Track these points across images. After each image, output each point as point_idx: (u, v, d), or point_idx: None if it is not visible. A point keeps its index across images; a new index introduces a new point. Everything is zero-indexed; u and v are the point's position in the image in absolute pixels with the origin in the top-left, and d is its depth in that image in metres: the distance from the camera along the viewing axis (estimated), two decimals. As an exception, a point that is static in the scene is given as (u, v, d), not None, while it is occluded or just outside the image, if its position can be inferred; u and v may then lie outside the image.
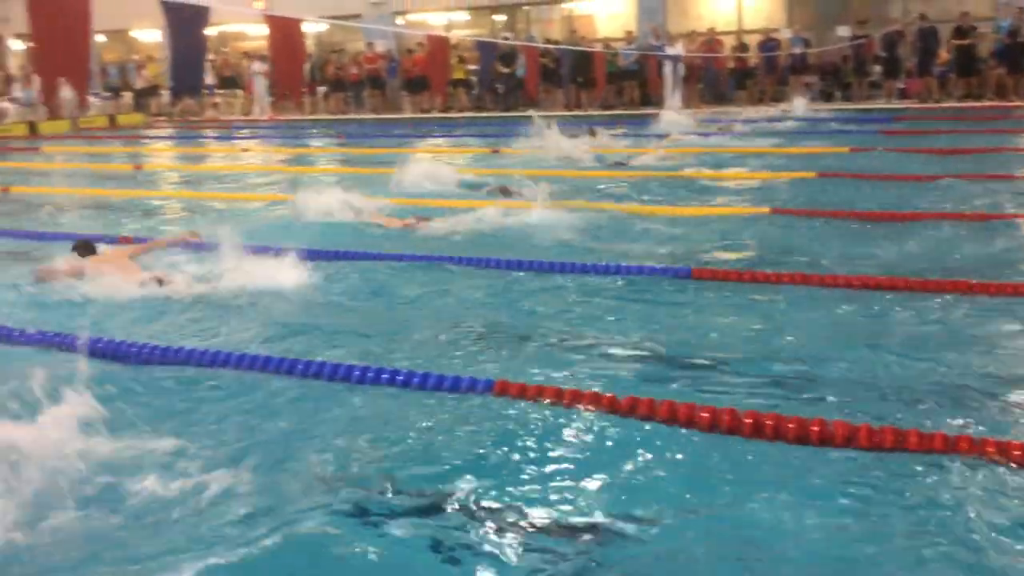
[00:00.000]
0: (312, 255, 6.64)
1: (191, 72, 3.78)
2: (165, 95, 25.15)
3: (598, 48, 21.30)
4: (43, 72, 3.35)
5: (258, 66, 24.30)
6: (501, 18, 24.27)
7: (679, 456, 3.38)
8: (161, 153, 17.63)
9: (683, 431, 3.52)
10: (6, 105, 21.42)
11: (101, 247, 6.37)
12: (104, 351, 4.56)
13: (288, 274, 6.12)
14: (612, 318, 5.12)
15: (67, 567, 2.77)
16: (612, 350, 4.53)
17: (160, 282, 5.78)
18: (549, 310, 5.29)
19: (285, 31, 4.07)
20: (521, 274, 6.09)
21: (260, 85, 24.20)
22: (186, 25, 3.97)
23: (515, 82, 21.19)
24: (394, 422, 3.68)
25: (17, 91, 23.51)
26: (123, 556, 2.80)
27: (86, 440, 3.34)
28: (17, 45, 27.18)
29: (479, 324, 5.00)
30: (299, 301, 5.63)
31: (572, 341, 4.69)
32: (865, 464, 3.22)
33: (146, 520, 2.98)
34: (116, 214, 9.07)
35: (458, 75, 22.73)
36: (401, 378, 4.04)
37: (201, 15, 4.02)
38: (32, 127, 21.59)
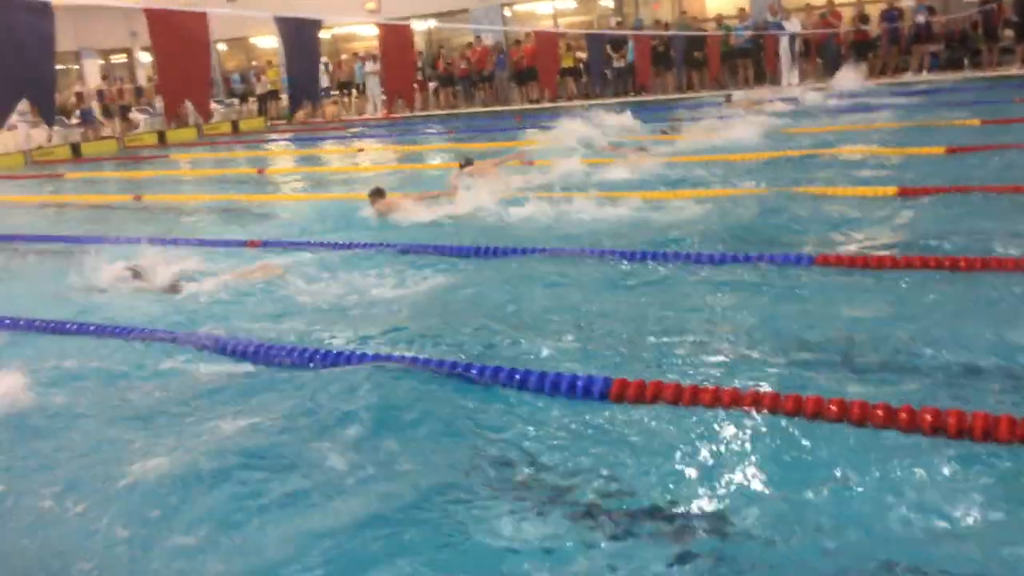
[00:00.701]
0: (427, 250, 6.76)
1: (308, 82, 3.87)
2: (284, 99, 26.00)
3: (711, 27, 20.85)
4: (166, 88, 3.47)
5: (370, 66, 24.81)
6: (609, 3, 24.01)
7: (816, 452, 3.25)
8: (282, 156, 18.21)
9: (814, 425, 3.39)
10: (137, 116, 22.54)
11: None
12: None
13: (400, 271, 6.25)
14: (732, 309, 4.98)
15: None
16: (733, 344, 4.41)
17: (136, 274, 6.12)
18: (664, 302, 5.19)
19: (395, 34, 4.12)
20: (632, 264, 6.00)
21: (372, 84, 24.71)
22: (301, 37, 4.05)
23: (625, 68, 20.94)
24: (512, 421, 3.69)
25: (147, 102, 24.71)
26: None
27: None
28: (146, 57, 28.55)
29: (590, 317, 4.96)
30: (411, 298, 5.71)
31: (689, 335, 4.59)
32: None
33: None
34: (241, 218, 9.43)
35: (567, 63, 22.62)
36: (518, 377, 4.03)
37: (314, 26, 4.10)
38: (161, 136, 22.67)
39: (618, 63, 21.26)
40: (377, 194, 8.14)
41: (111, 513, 3.17)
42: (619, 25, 22.54)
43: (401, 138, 18.37)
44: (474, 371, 4.11)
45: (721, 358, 4.21)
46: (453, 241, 7.07)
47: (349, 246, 7.22)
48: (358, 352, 4.53)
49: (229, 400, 4.15)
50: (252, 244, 7.71)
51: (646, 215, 7.50)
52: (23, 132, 19.92)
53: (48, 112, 3.00)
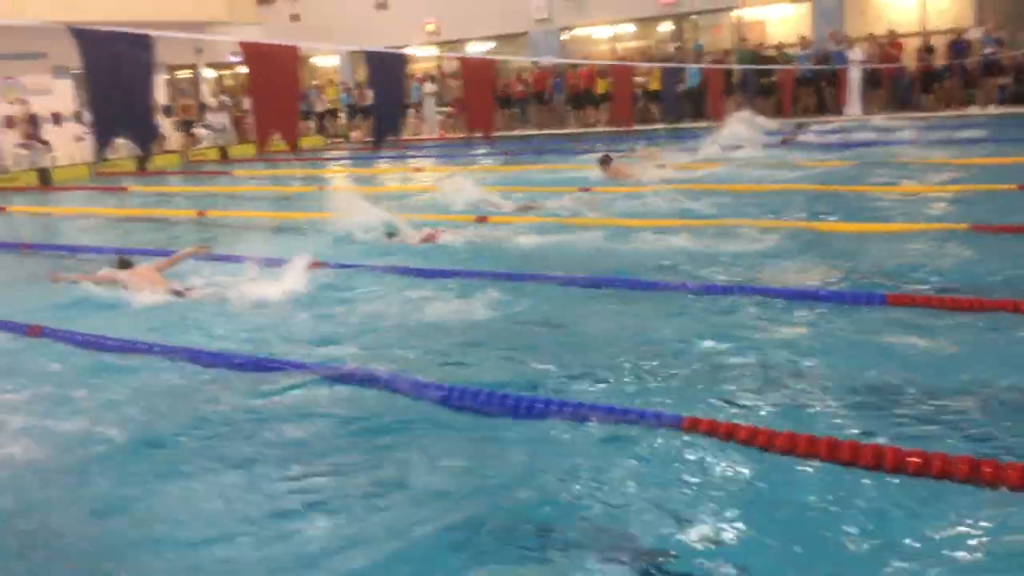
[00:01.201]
0: (484, 276, 6.73)
1: (392, 114, 3.89)
2: (342, 118, 26.32)
3: (771, 53, 20.70)
4: (259, 119, 3.52)
5: (428, 87, 25.07)
6: (667, 27, 23.95)
7: (891, 505, 3.14)
8: (339, 174, 18.40)
9: (890, 478, 3.28)
10: (201, 131, 22.97)
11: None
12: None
13: (448, 294, 6.24)
14: (799, 347, 4.86)
15: None
16: (800, 383, 4.30)
17: (179, 294, 6.43)
18: (729, 337, 5.09)
19: (477, 69, 4.14)
20: (698, 297, 5.91)
21: (429, 105, 24.95)
22: (385, 70, 4.09)
23: (683, 93, 20.83)
24: (574, 456, 3.63)
25: (210, 118, 25.17)
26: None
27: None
28: (209, 73, 29.13)
29: (655, 351, 4.88)
30: (463, 324, 5.68)
31: (756, 372, 4.49)
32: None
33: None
34: (299, 235, 9.53)
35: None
36: (584, 410, 3.96)
37: (400, 65, 4.14)
38: (223, 151, 23.09)
39: (677, 88, 21.14)
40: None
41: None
42: (678, 51, 22.47)
43: (455, 159, 18.47)
44: (539, 404, 4.06)
45: (794, 400, 4.11)
46: (505, 267, 7.07)
47: (407, 271, 7.23)
48: (424, 381, 4.50)
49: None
50: (314, 265, 7.77)
51: (705, 245, 7.41)
52: (89, 144, 20.44)
53: (147, 143, 3.03)
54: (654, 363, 4.70)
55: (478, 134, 4.10)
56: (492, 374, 4.69)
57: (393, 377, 4.53)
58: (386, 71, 4.17)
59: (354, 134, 25.64)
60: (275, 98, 3.61)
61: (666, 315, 5.61)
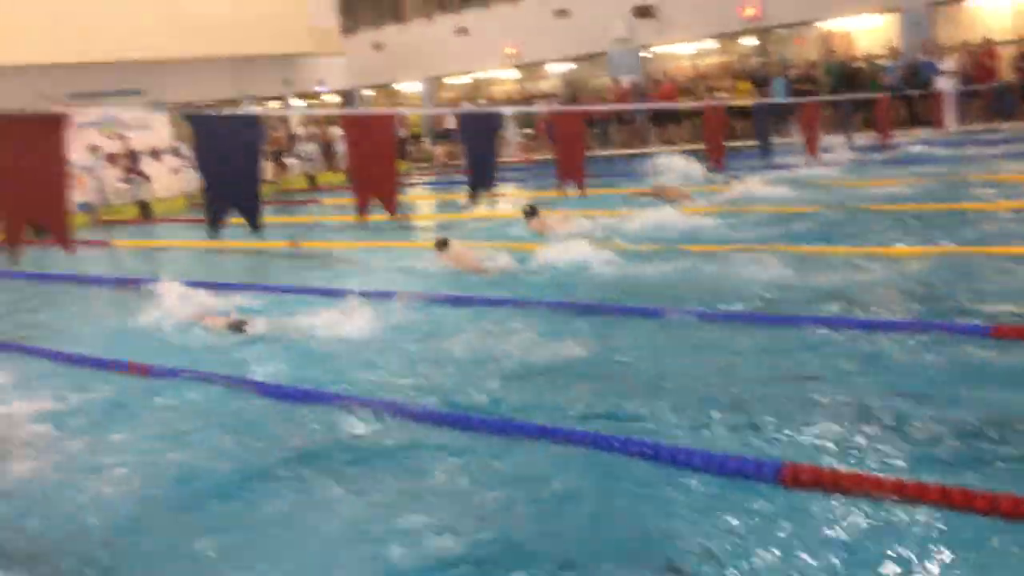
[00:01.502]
0: (569, 307, 6.70)
1: (485, 170, 3.93)
2: (426, 143, 26.73)
3: (860, 65, 20.24)
4: (357, 185, 3.60)
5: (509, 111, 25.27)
6: (751, 42, 23.64)
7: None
8: (425, 200, 18.64)
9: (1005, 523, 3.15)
10: (291, 160, 23.60)
11: None
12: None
13: (532, 326, 6.23)
14: (895, 384, 4.69)
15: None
16: (906, 423, 4.15)
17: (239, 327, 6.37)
18: (825, 372, 4.95)
19: (567, 120, 4.16)
20: (786, 329, 5.79)
21: (511, 128, 25.13)
22: (479, 127, 4.14)
23: (770, 108, 20.48)
24: (659, 505, 3.57)
25: (300, 147, 25.87)
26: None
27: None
28: (298, 103, 29.95)
29: (743, 388, 4.79)
30: (546, 358, 5.66)
31: (857, 411, 4.36)
32: None
33: None
34: (385, 264, 9.66)
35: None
36: (666, 454, 3.91)
37: (495, 120, 4.19)
38: (311, 179, 23.67)
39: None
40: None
41: None
42: (763, 65, 22.16)
43: (537, 182, 18.52)
44: (617, 443, 4.02)
45: (895, 443, 3.97)
46: (586, 298, 7.04)
47: (490, 301, 7.26)
48: (506, 419, 4.51)
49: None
50: (400, 297, 7.88)
51: (794, 273, 7.25)
52: (185, 176, 21.20)
53: (254, 219, 3.14)
54: (743, 401, 4.61)
55: (569, 187, 4.09)
56: (576, 411, 4.67)
57: (486, 419, 4.54)
58: (479, 128, 4.21)
59: (437, 150, 25.99)
60: (373, 164, 3.68)
61: (754, 349, 5.50)
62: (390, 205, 3.73)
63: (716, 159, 4.64)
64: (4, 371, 6.45)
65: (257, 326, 7.24)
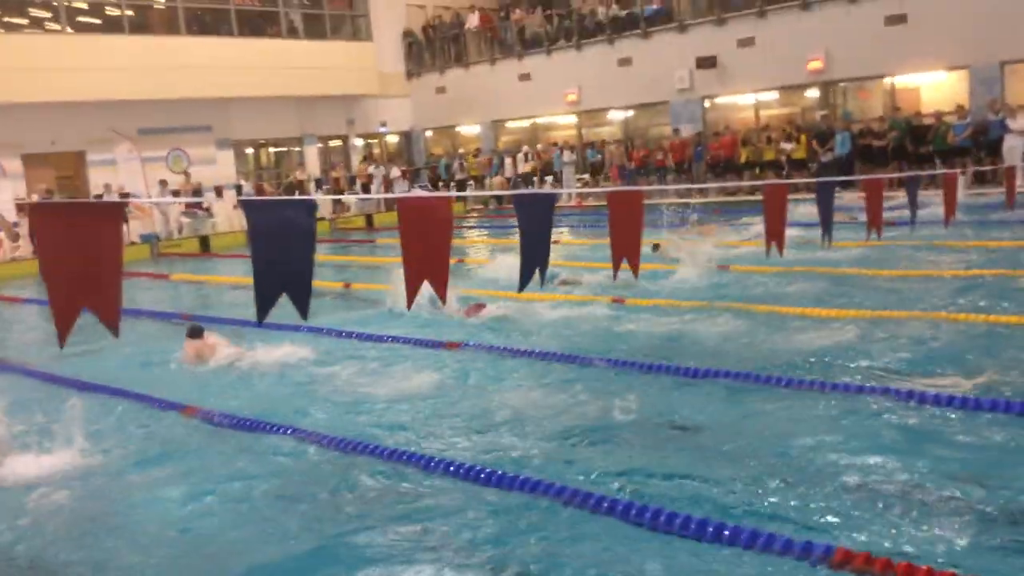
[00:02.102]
0: (614, 364, 6.58)
1: (540, 255, 3.88)
2: (488, 182, 26.88)
3: (928, 122, 19.87)
4: (409, 269, 3.56)
5: (567, 156, 25.32)
6: (814, 95, 23.39)
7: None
8: (479, 242, 18.69)
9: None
10: (350, 199, 23.90)
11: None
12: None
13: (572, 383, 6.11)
14: (955, 466, 4.44)
15: None
16: (960, 512, 3.92)
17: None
18: (878, 448, 4.73)
19: (626, 202, 4.11)
20: (842, 398, 5.57)
21: (568, 173, 25.18)
22: (535, 211, 4.09)
23: (832, 162, 20.21)
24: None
25: (358, 187, 26.24)
26: None
27: None
28: (359, 142, 30.42)
29: (793, 462, 4.60)
30: (584, 417, 5.54)
31: (913, 492, 4.15)
32: None
33: None
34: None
35: (768, 156, 22.22)
36: (711, 529, 3.74)
37: (549, 207, 4.14)
38: (369, 219, 23.93)
39: (824, 157, 20.60)
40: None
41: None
42: (824, 119, 21.89)
43: (596, 228, 18.45)
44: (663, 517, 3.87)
45: (956, 533, 3.75)
46: (627, 355, 6.91)
47: (542, 355, 7.19)
48: (558, 485, 4.39)
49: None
50: (450, 346, 7.84)
51: (849, 337, 7.02)
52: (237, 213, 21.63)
53: (304, 308, 3.13)
54: (792, 477, 4.42)
55: (623, 265, 4.03)
56: (616, 478, 4.53)
57: (539, 482, 4.42)
58: (534, 213, 4.15)
59: (495, 180, 26.14)
60: (427, 248, 3.65)
61: (806, 418, 5.31)
62: (441, 291, 3.67)
63: (777, 244, 4.49)
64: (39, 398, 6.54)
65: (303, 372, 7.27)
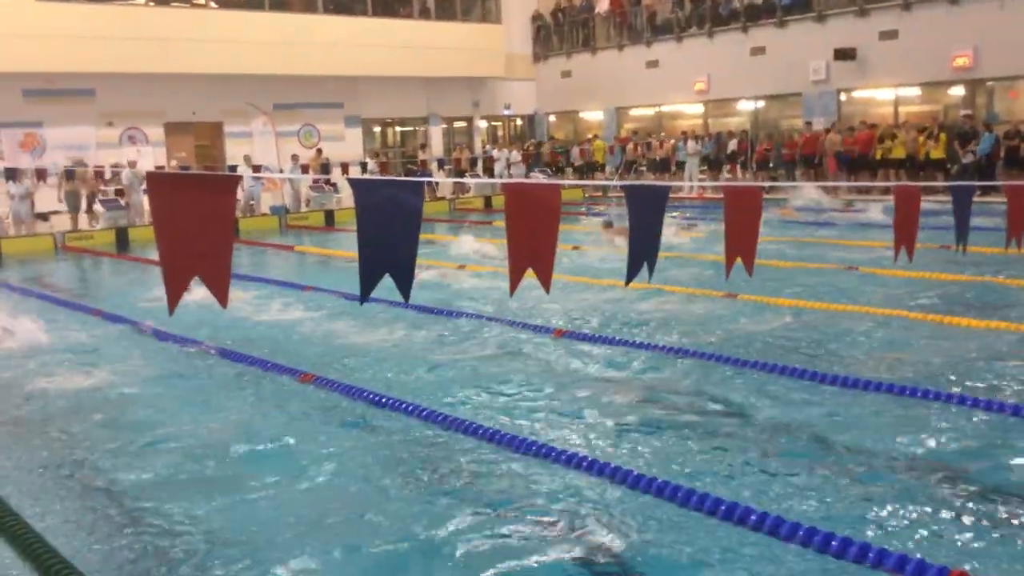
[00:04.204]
0: (738, 363, 6.42)
1: (649, 248, 3.80)
2: (608, 171, 26.69)
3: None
4: (513, 255, 3.54)
5: (692, 146, 24.84)
6: (958, 93, 22.22)
7: None
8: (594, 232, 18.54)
9: None
10: (470, 180, 24.12)
11: None
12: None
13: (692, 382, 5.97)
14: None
15: None
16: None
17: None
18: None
19: (744, 197, 3.97)
20: (972, 410, 5.28)
21: (692, 164, 24.71)
22: (647, 204, 4.00)
23: (972, 164, 19.17)
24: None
25: (479, 168, 26.49)
26: None
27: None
28: (482, 124, 30.67)
29: (921, 475, 4.39)
30: (717, 421, 5.42)
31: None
32: None
33: None
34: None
35: (897, 154, 21.22)
36: (836, 543, 3.60)
37: (662, 199, 4.04)
38: (487, 200, 24.10)
39: (965, 158, 19.56)
40: None
41: None
42: (967, 118, 20.76)
43: (717, 219, 18.05)
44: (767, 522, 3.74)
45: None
46: (750, 355, 6.71)
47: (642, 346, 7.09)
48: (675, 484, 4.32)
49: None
50: (557, 333, 7.82)
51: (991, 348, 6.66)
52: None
53: (406, 290, 3.15)
54: (919, 492, 4.22)
55: (738, 261, 3.88)
56: (722, 478, 4.43)
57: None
58: (646, 205, 4.06)
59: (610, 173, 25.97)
60: (533, 235, 3.61)
61: (934, 428, 5.06)
62: (546, 282, 3.63)
63: (907, 249, 4.25)
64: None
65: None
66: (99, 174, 18.72)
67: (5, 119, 20.89)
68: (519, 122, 31.97)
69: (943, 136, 20.53)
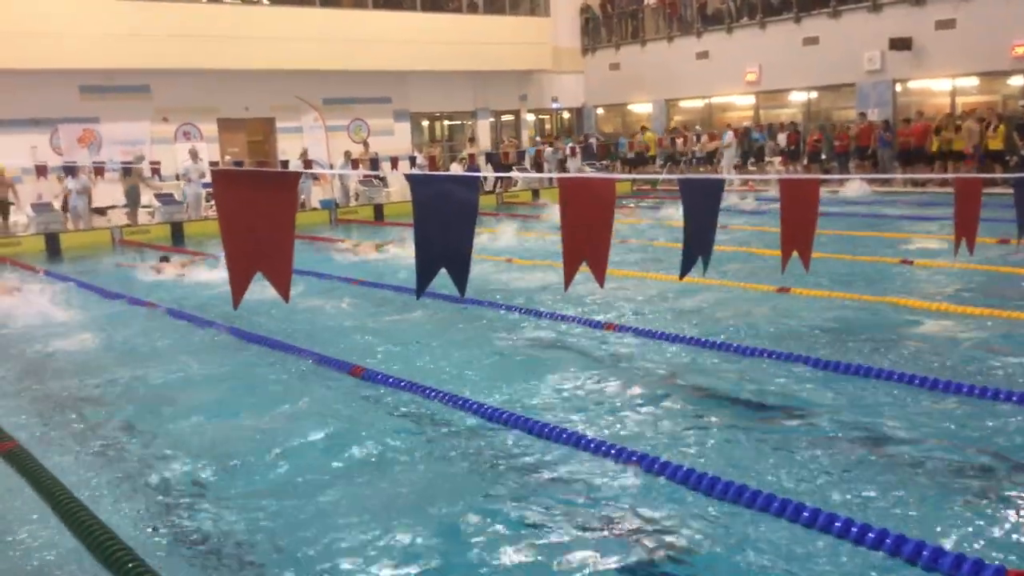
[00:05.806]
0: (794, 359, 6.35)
1: (703, 242, 3.78)
2: (656, 164, 26.53)
3: None
4: (567, 248, 3.54)
5: (729, 137, 24.59)
6: (1018, 83, 21.63)
7: None
8: (644, 224, 18.44)
9: None
10: (517, 174, 24.12)
11: None
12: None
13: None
14: None
15: None
16: None
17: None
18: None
19: (801, 190, 3.92)
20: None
21: (729, 155, 24.47)
22: (701, 198, 3.98)
23: (1030, 156, 18.71)
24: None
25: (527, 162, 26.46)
26: None
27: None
28: (530, 118, 30.65)
29: (972, 475, 4.30)
30: (784, 422, 5.36)
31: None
32: None
33: None
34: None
35: (958, 145, 20.72)
36: (890, 541, 3.55)
37: (716, 192, 4.01)
38: (535, 192, 24.09)
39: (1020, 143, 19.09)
40: None
41: None
42: (1027, 108, 20.24)
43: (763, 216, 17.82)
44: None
45: None
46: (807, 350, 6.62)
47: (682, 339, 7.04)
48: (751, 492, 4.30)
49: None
50: (608, 327, 7.81)
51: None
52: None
53: (462, 284, 3.17)
54: (973, 491, 4.14)
55: (794, 254, 3.81)
56: (778, 478, 4.39)
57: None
58: (701, 198, 4.03)
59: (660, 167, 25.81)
60: (587, 229, 3.60)
61: (983, 426, 4.96)
62: (600, 276, 3.63)
63: (968, 242, 4.15)
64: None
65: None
66: (156, 170, 19.05)
67: (63, 114, 21.41)
68: (567, 115, 31.89)
69: (1002, 127, 20.02)
